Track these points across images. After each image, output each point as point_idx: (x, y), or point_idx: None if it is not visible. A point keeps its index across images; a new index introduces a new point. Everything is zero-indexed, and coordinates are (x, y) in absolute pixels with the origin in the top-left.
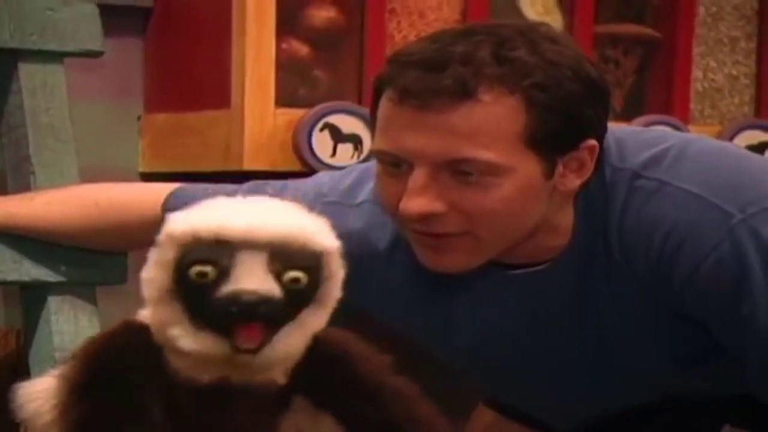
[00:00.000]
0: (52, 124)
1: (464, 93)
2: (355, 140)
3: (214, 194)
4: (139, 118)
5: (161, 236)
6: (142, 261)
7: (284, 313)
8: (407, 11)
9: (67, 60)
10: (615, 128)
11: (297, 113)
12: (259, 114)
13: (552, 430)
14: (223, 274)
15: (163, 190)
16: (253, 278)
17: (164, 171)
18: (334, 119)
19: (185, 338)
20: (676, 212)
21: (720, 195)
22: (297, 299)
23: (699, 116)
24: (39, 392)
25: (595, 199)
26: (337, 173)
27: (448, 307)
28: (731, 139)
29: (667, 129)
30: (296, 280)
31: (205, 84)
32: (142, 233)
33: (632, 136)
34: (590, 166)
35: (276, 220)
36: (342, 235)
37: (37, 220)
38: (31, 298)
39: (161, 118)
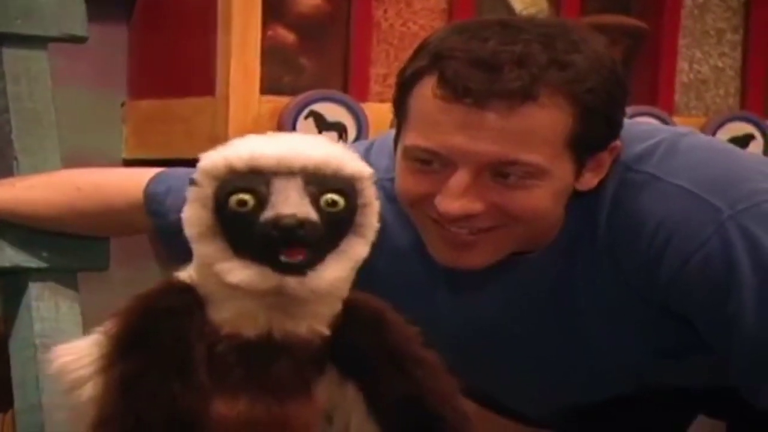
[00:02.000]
0: (35, 110)
1: (526, 96)
2: (340, 128)
3: None
4: (122, 105)
5: (197, 174)
6: (124, 247)
7: (324, 236)
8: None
9: (51, 45)
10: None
11: (282, 101)
12: (244, 101)
13: (530, 420)
14: (262, 202)
15: (145, 174)
16: (290, 203)
17: (147, 158)
18: (319, 107)
19: (233, 272)
20: (666, 207)
21: (710, 190)
22: (335, 223)
23: (684, 108)
24: (75, 348)
25: (586, 192)
26: None
27: (431, 293)
28: (716, 131)
29: (652, 120)
30: (333, 203)
31: (190, 71)
32: (125, 218)
33: (624, 130)
34: (608, 165)
35: (308, 147)
36: None
37: (19, 205)
38: (11, 285)
39: (145, 104)
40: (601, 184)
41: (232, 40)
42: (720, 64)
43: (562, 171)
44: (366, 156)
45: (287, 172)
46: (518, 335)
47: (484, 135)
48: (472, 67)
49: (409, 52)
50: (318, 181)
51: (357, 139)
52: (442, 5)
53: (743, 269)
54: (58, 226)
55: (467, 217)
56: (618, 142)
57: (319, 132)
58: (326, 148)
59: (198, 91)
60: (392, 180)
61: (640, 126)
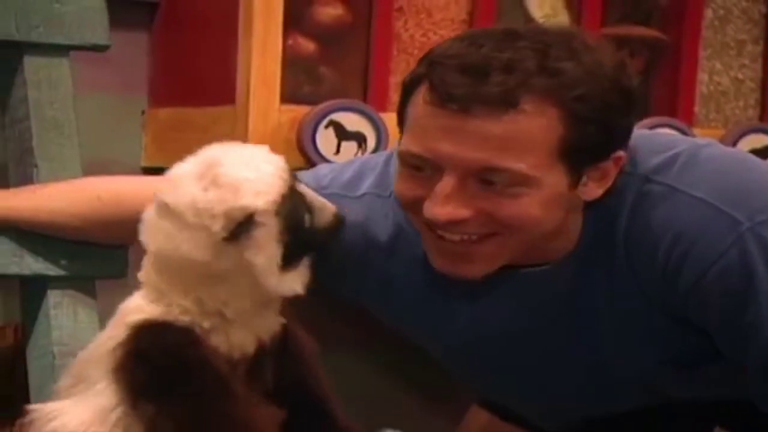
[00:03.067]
0: (56, 118)
1: (509, 103)
2: (359, 138)
3: None
4: (143, 113)
5: (259, 218)
6: (142, 255)
7: None
8: (414, 10)
9: (72, 53)
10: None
11: (302, 110)
12: (264, 110)
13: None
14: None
15: (165, 182)
16: (322, 200)
17: (166, 166)
18: (339, 117)
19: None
20: (685, 218)
21: (728, 202)
22: None
23: (704, 119)
24: (73, 416)
25: (604, 204)
26: (337, 165)
27: (447, 301)
28: (735, 142)
29: (672, 131)
30: None
31: (210, 80)
32: None
33: (643, 141)
34: (613, 175)
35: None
36: None
37: (39, 213)
38: (30, 292)
39: (165, 113)
40: (620, 195)
41: (252, 49)
42: (740, 76)
43: (553, 179)
44: (386, 165)
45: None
46: (534, 345)
47: (467, 141)
48: (460, 73)
49: None
50: None
51: (376, 149)
52: (462, 16)
53: (761, 279)
54: (78, 234)
55: (455, 223)
56: (622, 153)
57: (339, 142)
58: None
59: (218, 99)
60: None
61: (660, 137)
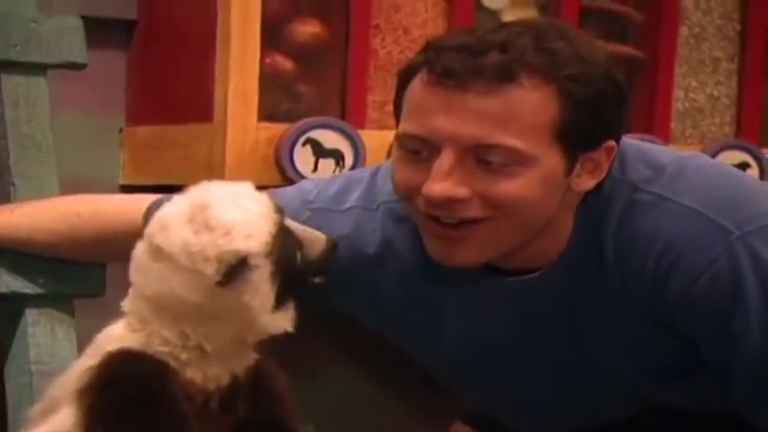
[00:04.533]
0: (34, 136)
1: (506, 77)
2: (337, 155)
3: None
4: (120, 131)
5: (253, 260)
6: (120, 273)
7: None
8: (392, 27)
9: (50, 71)
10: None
11: (280, 128)
12: (242, 128)
13: None
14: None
15: (144, 200)
16: (316, 233)
17: (145, 184)
18: (317, 134)
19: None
20: (674, 227)
21: (718, 211)
22: None
23: (680, 136)
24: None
25: (592, 209)
26: (321, 180)
27: (438, 311)
28: (712, 158)
29: (658, 143)
30: None
31: (188, 97)
32: (124, 244)
33: (633, 149)
34: (605, 167)
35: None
36: None
37: (19, 230)
38: (8, 310)
39: (143, 130)
40: (608, 199)
41: (230, 67)
42: (716, 93)
43: (550, 161)
44: (373, 179)
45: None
46: (523, 353)
47: (465, 116)
48: (457, 52)
49: None
50: None
51: (354, 166)
52: (439, 32)
53: (750, 289)
54: (57, 252)
55: (452, 202)
56: (612, 143)
57: (317, 159)
58: None
59: (196, 117)
60: (398, 201)
61: (649, 147)
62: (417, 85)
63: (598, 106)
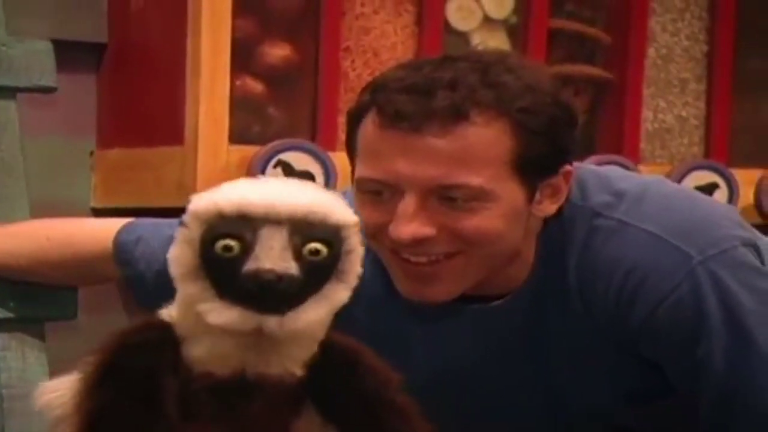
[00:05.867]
0: (4, 160)
1: (458, 115)
2: (308, 177)
3: (166, 228)
4: (91, 154)
5: (186, 216)
6: (92, 296)
7: (304, 288)
8: (362, 50)
9: (19, 95)
10: (575, 165)
11: (250, 150)
12: (213, 150)
13: None
14: (248, 249)
15: (115, 224)
16: (272, 256)
17: (116, 206)
18: (287, 156)
19: (214, 312)
20: (636, 253)
21: (679, 236)
22: (317, 272)
23: (649, 156)
24: (58, 386)
25: (553, 234)
26: None
27: (403, 340)
28: (681, 179)
29: (618, 169)
30: (316, 252)
31: (159, 120)
32: (95, 267)
33: (592, 176)
34: (565, 191)
35: (295, 195)
36: None
37: (14, 252)
38: None
39: (114, 153)
40: (569, 224)
41: (200, 90)
42: (684, 114)
43: (510, 193)
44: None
45: (275, 221)
46: (490, 383)
47: (423, 158)
48: (406, 93)
49: None
50: (303, 230)
51: (325, 187)
52: (409, 56)
53: (712, 315)
54: (28, 275)
55: (421, 242)
56: (569, 167)
57: None
58: (313, 196)
59: (167, 140)
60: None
61: (608, 172)
62: (369, 128)
63: (551, 134)
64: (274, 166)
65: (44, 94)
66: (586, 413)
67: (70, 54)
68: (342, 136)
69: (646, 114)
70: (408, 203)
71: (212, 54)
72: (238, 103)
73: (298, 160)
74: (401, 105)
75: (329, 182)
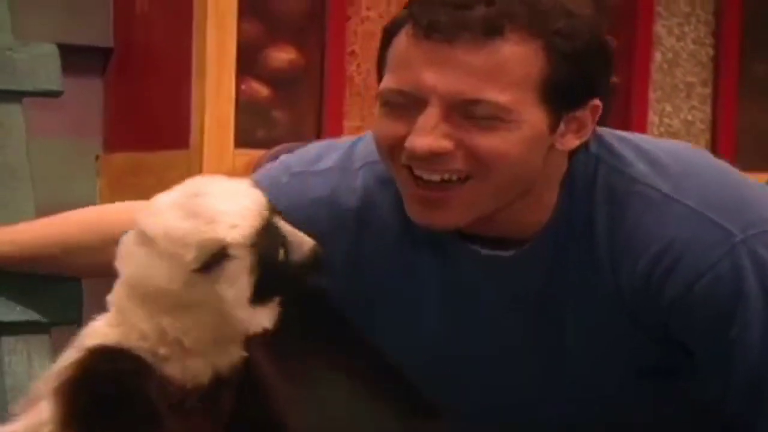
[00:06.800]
0: (10, 163)
1: (493, 30)
2: None
3: None
4: (97, 158)
5: (233, 251)
6: (97, 301)
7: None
8: (367, 53)
9: (25, 99)
10: (615, 131)
11: (256, 154)
12: (218, 154)
13: None
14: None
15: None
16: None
17: None
18: None
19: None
20: (676, 227)
21: (721, 213)
22: None
23: None
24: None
25: (578, 185)
26: (301, 149)
27: (417, 285)
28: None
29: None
30: None
31: (165, 124)
32: None
33: (626, 144)
34: (590, 127)
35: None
36: (304, 204)
37: (23, 249)
38: None
39: (120, 157)
40: (601, 186)
41: (206, 94)
42: (690, 117)
43: (534, 118)
44: (354, 143)
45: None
46: (499, 341)
47: (451, 70)
48: (442, 5)
49: None
50: None
51: None
52: None
53: (751, 293)
54: (60, 265)
55: (436, 156)
56: (598, 102)
57: None
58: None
59: (172, 144)
60: (381, 162)
61: (644, 142)
62: (402, 40)
63: (583, 62)
64: None
65: (50, 98)
66: (591, 382)
67: (75, 58)
68: (347, 138)
69: (653, 118)
70: (429, 115)
71: (218, 58)
72: (244, 107)
73: None
74: (435, 15)
75: None
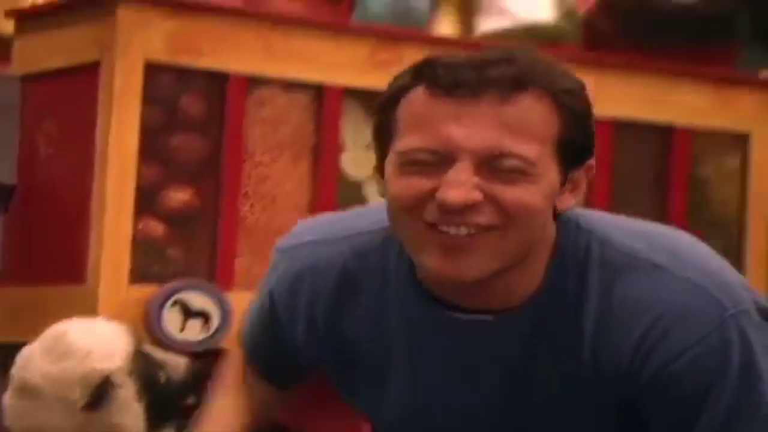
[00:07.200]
0: None
1: (518, 85)
2: (204, 316)
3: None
4: None
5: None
6: None
7: None
8: (260, 195)
9: None
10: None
11: (150, 289)
12: (113, 290)
13: None
14: None
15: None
16: None
17: (20, 342)
18: (185, 296)
19: None
20: (672, 297)
21: (715, 287)
22: None
23: None
24: None
25: (572, 256)
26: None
27: (388, 351)
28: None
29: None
30: None
31: (63, 260)
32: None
33: (610, 222)
34: (583, 188)
35: None
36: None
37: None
38: None
39: (17, 291)
40: (591, 257)
41: (104, 232)
42: None
43: (551, 173)
44: (339, 222)
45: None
46: (469, 406)
47: (479, 124)
48: (462, 66)
49: (272, 244)
50: None
51: (221, 326)
52: (306, 201)
53: (733, 370)
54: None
55: (467, 209)
56: (593, 162)
57: (184, 320)
58: None
59: (69, 279)
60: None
61: (625, 222)
62: (418, 101)
63: (586, 119)
64: (172, 305)
65: None
66: None
67: None
68: (239, 277)
69: None
70: (460, 168)
71: (117, 197)
72: (140, 244)
73: (195, 299)
74: (458, 74)
75: (225, 321)
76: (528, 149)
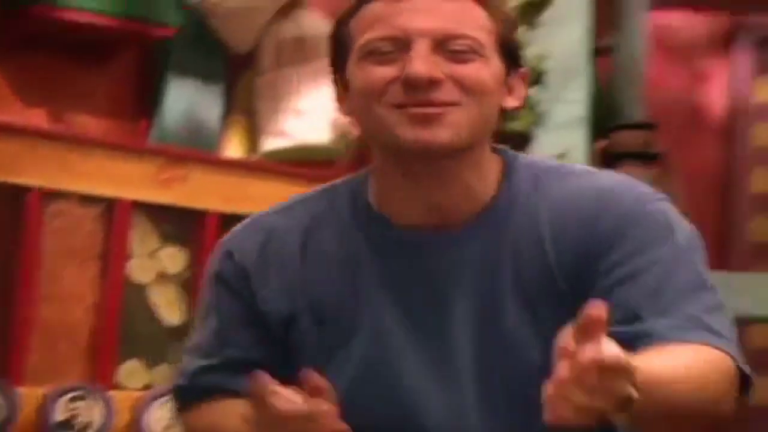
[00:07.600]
0: None
1: None
2: None
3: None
4: None
5: None
6: None
7: None
8: (52, 295)
9: None
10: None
11: None
12: None
13: None
14: None
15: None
16: None
17: None
18: None
19: None
20: (609, 181)
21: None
22: None
23: None
24: None
25: (521, 175)
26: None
27: (356, 297)
28: None
29: None
30: None
31: None
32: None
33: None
34: (522, 94)
35: None
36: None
37: None
38: None
39: None
40: (533, 174)
41: None
42: None
43: (496, 60)
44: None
45: None
46: (432, 324)
47: (432, 14)
48: None
49: (63, 341)
50: None
51: (8, 420)
52: (95, 302)
53: (679, 232)
54: None
55: (431, 86)
56: (527, 69)
57: None
58: None
59: None
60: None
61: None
62: (377, 6)
63: (515, 31)
64: None
65: None
66: (525, 373)
67: None
68: (30, 373)
69: None
70: (420, 48)
71: None
72: None
73: None
74: None
75: (13, 415)
76: (477, 33)
